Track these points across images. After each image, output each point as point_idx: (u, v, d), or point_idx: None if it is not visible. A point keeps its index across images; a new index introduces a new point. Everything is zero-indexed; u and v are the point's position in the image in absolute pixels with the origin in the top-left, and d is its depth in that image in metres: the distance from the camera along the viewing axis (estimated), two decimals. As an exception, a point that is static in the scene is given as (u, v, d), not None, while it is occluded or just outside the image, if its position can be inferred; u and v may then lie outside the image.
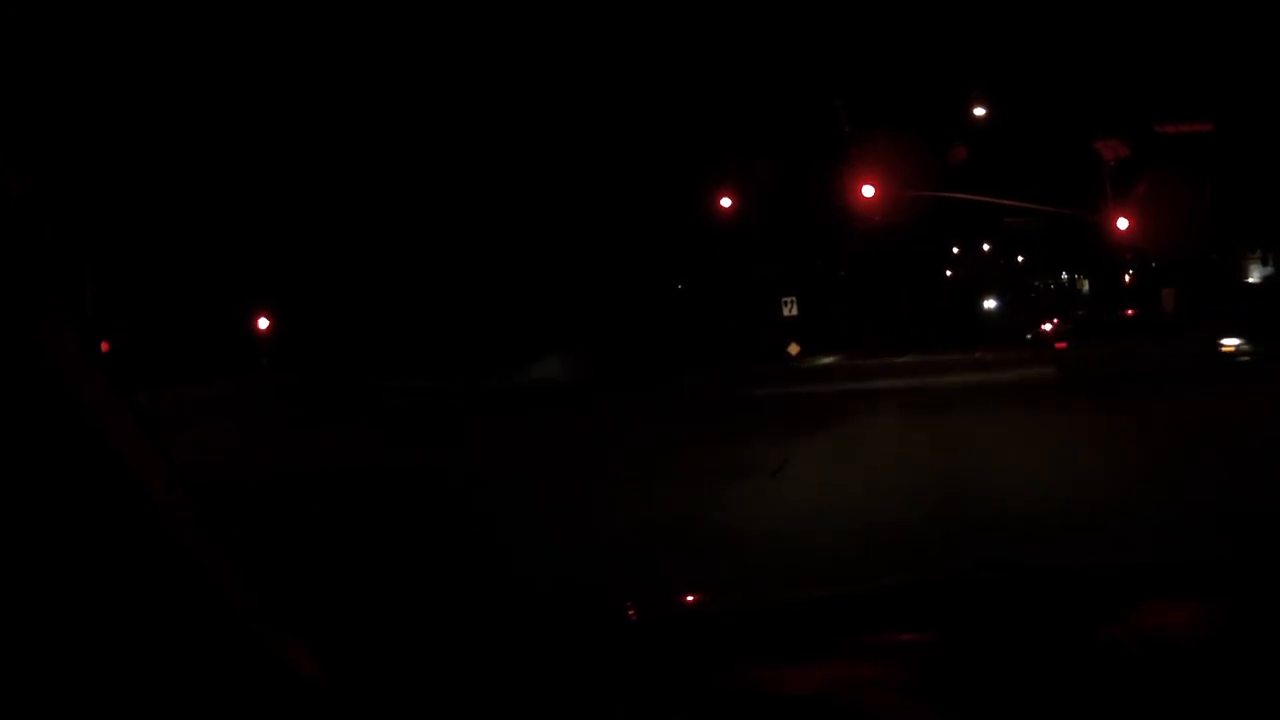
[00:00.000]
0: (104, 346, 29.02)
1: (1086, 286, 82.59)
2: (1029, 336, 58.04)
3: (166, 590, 1.54)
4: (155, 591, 1.53)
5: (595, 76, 49.32)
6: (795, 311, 44.80)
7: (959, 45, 52.25)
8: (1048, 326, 73.71)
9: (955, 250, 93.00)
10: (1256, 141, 47.77)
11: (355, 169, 45.30)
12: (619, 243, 50.36)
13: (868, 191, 43.28)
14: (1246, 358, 30.18)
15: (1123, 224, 44.89)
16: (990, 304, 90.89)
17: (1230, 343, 31.08)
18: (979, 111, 48.48)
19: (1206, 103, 45.91)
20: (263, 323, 44.54)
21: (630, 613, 3.15)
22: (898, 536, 9.74)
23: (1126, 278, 55.19)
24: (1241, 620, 2.44)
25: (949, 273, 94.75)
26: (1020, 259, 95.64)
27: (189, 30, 37.87)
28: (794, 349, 43.46)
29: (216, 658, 1.56)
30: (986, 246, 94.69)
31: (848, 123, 49.92)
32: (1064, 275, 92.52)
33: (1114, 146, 49.01)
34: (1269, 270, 57.62)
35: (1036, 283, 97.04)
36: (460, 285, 47.51)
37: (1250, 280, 57.43)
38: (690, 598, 4.04)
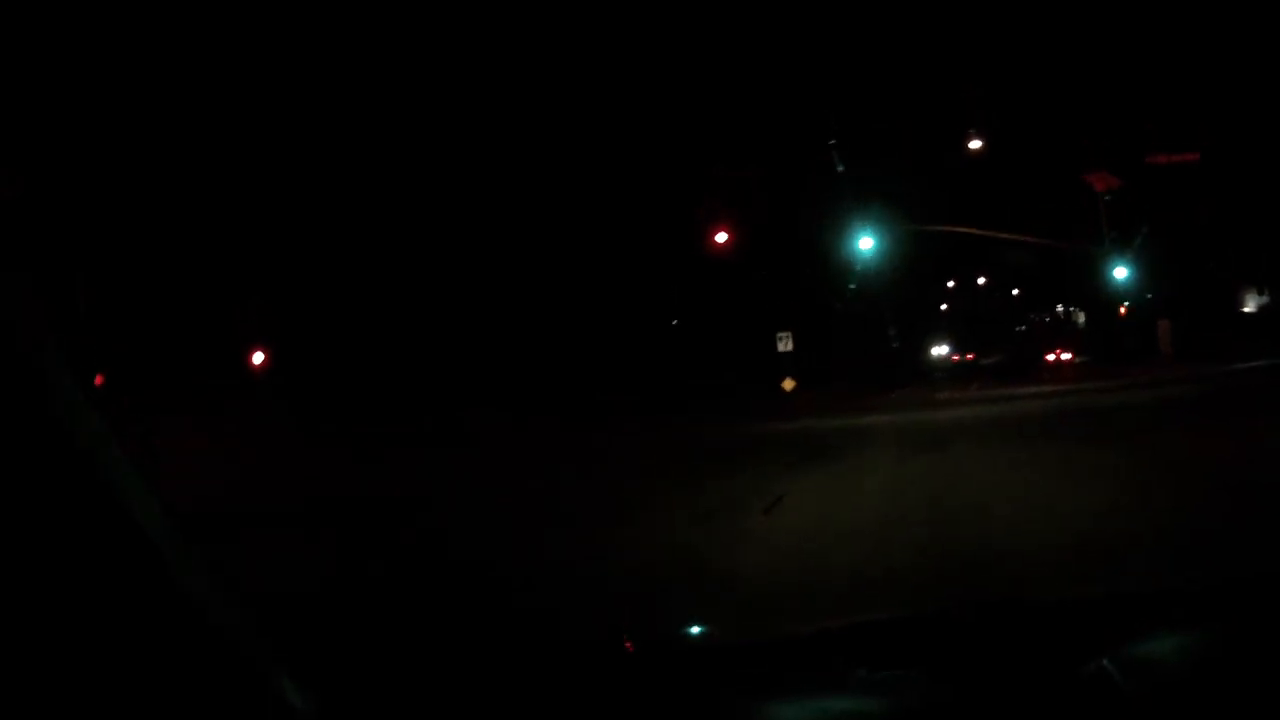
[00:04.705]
0: (98, 380, 29.05)
1: (1082, 319, 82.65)
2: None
3: (158, 620, 1.55)
4: (147, 621, 1.54)
5: (588, 105, 49.32)
6: (791, 346, 44.77)
7: (957, 77, 52.36)
8: (1051, 358, 74.46)
9: (951, 284, 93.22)
10: (1250, 171, 47.90)
11: (338, 210, 45.28)
12: (614, 279, 50.34)
13: (865, 244, 43.79)
14: None
15: (1120, 273, 45.26)
16: (939, 350, 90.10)
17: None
18: (975, 144, 48.66)
19: (1198, 132, 46.11)
20: (258, 357, 44.45)
21: (626, 645, 3.17)
22: (891, 572, 9.83)
23: (1122, 309, 55.30)
24: (1230, 650, 2.48)
25: (944, 306, 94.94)
26: (1015, 292, 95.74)
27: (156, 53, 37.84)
28: (789, 385, 43.41)
29: (208, 686, 1.57)
30: (982, 280, 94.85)
31: (842, 161, 50.14)
32: (1059, 308, 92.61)
33: (1104, 178, 49.25)
34: (1265, 299, 57.57)
35: (1032, 316, 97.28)
36: (455, 321, 47.41)
37: (1246, 309, 57.52)
38: (683, 631, 4.11)
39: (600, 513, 15.38)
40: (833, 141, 50.70)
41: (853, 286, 61.85)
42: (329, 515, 16.45)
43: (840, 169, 49.85)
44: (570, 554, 12.00)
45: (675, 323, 56.96)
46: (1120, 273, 45.30)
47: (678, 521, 13.90)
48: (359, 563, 12.22)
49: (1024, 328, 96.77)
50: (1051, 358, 75.14)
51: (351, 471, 24.40)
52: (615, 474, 21.79)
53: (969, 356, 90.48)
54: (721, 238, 47.12)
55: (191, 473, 19.06)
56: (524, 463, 25.72)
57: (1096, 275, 51.07)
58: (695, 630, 4.10)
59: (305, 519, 16.38)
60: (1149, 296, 52.24)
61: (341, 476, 23.22)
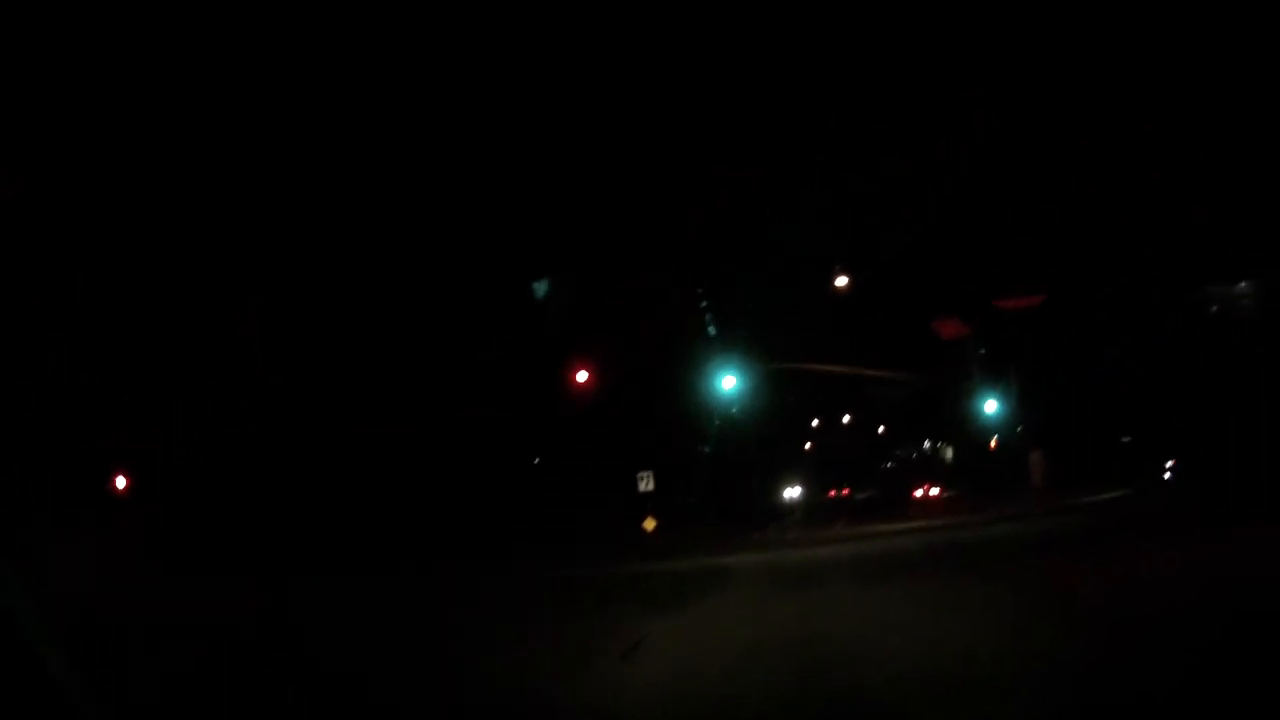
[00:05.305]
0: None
1: (950, 454, 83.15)
2: None
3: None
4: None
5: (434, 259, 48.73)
6: (652, 486, 44.22)
7: (819, 215, 52.63)
8: (920, 493, 74.84)
9: (815, 423, 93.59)
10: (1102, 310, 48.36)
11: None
12: (472, 416, 49.25)
13: (728, 383, 43.60)
14: None
15: (991, 407, 45.52)
16: (793, 491, 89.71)
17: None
18: (840, 282, 48.62)
19: (1050, 273, 46.65)
20: (120, 481, 43.05)
21: None
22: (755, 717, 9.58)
23: (993, 442, 55.51)
24: None
25: (808, 445, 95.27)
26: (881, 429, 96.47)
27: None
28: (650, 524, 42.83)
29: None
30: (847, 418, 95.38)
31: (713, 322, 50.38)
32: (926, 444, 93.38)
33: (954, 326, 49.77)
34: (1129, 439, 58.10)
35: (898, 452, 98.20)
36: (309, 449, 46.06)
37: (1124, 439, 57.90)
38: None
39: (442, 657, 14.34)
40: (704, 303, 50.88)
41: (716, 425, 61.55)
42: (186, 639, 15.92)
43: (712, 332, 50.05)
44: (403, 703, 11.16)
45: (536, 461, 55.99)
46: (990, 406, 45.59)
47: (530, 667, 13.07)
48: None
49: (890, 464, 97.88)
50: (920, 493, 75.49)
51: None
52: (462, 615, 20.60)
53: (844, 492, 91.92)
54: (582, 377, 46.24)
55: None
56: (364, 602, 24.25)
57: (964, 410, 51.42)
58: None
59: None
60: (1019, 429, 52.50)
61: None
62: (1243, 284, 42.60)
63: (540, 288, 51.07)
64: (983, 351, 50.07)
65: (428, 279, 47.04)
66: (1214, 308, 43.37)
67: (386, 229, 46.05)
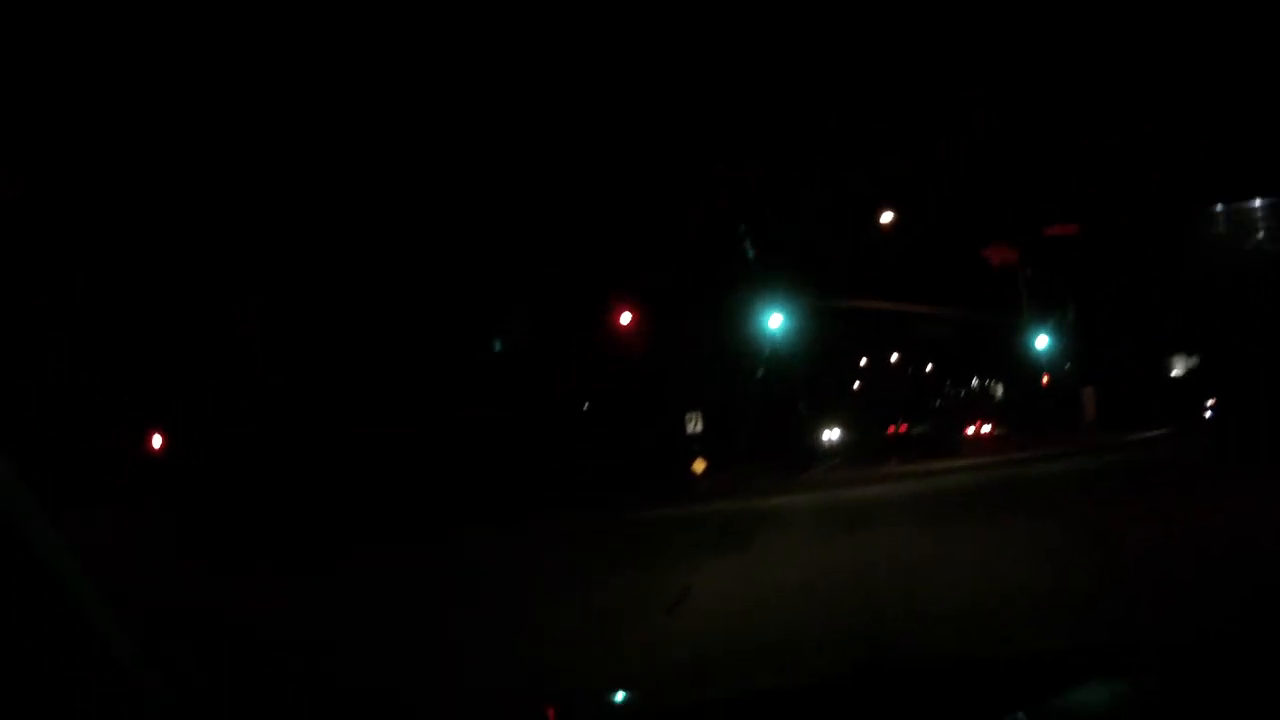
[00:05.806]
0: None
1: (1000, 391, 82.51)
2: None
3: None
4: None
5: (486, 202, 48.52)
6: (700, 427, 44.07)
7: (872, 149, 52.25)
8: (971, 430, 74.41)
9: (863, 362, 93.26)
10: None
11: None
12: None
13: (775, 321, 43.18)
14: None
15: (1042, 343, 45.06)
16: (837, 433, 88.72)
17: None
18: (886, 218, 48.20)
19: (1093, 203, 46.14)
20: (156, 440, 43.18)
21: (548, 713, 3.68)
22: (810, 667, 9.16)
23: (1044, 379, 54.89)
24: (1142, 704, 2.68)
25: (857, 384, 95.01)
26: (929, 367, 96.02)
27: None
28: (699, 466, 42.68)
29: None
30: (895, 356, 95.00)
31: (754, 246, 49.86)
32: (975, 381, 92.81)
33: (1001, 252, 49.25)
34: (1193, 361, 57.07)
35: (948, 390, 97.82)
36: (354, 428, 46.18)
37: (1174, 374, 57.18)
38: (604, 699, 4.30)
39: (484, 619, 13.92)
40: (743, 227, 50.46)
41: (763, 365, 61.23)
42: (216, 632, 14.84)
43: (751, 255, 49.61)
44: (449, 668, 10.87)
45: (585, 406, 55.91)
46: (1041, 342, 45.06)
47: (574, 621, 12.86)
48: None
49: (939, 402, 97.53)
50: (972, 430, 75.07)
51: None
52: (501, 575, 20.21)
53: (902, 428, 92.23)
54: (626, 318, 46.04)
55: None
56: (412, 566, 24.11)
57: (1015, 346, 50.89)
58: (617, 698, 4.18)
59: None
60: (1068, 365, 51.96)
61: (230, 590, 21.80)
62: (1257, 201, 41.69)
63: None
64: (1029, 271, 49.52)
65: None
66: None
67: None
